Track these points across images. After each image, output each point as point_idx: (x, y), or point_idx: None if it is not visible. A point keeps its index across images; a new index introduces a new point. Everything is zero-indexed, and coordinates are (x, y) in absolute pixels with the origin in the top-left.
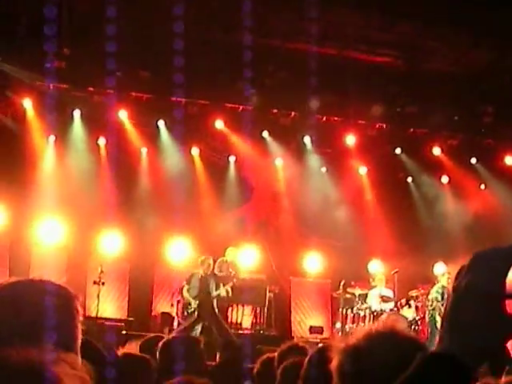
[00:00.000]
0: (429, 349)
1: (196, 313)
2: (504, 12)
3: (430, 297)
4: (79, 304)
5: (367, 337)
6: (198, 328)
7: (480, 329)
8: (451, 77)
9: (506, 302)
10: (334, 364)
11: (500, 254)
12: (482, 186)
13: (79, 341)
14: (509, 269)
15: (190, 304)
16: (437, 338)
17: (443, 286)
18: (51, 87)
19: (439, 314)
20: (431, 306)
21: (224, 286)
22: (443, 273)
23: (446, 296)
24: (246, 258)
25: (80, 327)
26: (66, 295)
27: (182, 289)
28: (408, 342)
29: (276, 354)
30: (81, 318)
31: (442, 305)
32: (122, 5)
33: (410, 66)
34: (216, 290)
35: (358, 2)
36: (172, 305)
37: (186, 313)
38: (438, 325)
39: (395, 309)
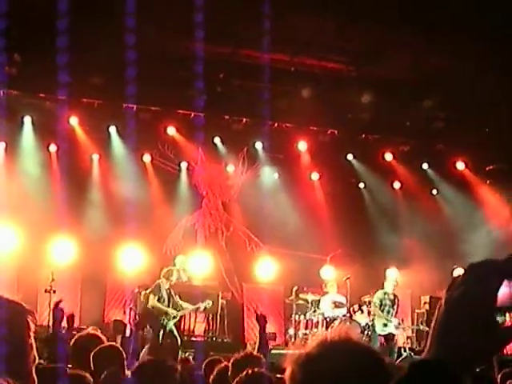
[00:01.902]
0: (383, 357)
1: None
2: (457, 18)
3: (372, 302)
4: (31, 319)
5: (320, 345)
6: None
7: (471, 340)
8: (403, 82)
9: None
10: (286, 373)
11: (494, 268)
12: (434, 191)
13: (32, 357)
14: (501, 283)
15: (166, 313)
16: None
17: (385, 293)
18: (1, 94)
19: (376, 319)
20: (372, 311)
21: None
22: (389, 279)
23: (386, 302)
24: (198, 265)
25: (32, 342)
26: (17, 310)
27: (146, 298)
28: (361, 351)
29: (230, 363)
30: (32, 333)
31: (383, 311)
32: (74, 11)
33: (363, 72)
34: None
35: (310, 8)
36: (124, 312)
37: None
38: (377, 329)
39: (348, 314)
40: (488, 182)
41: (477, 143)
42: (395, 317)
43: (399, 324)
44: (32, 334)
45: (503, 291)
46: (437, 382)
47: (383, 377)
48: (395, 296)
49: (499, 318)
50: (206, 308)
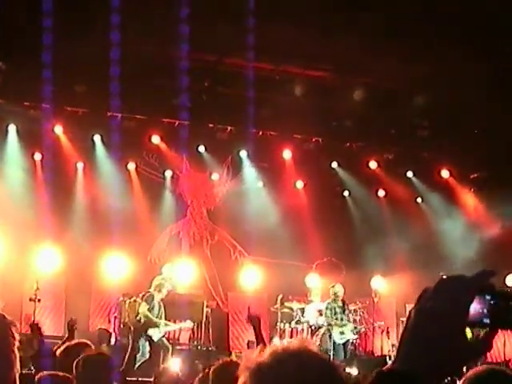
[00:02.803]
0: (338, 368)
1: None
2: (440, 26)
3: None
4: (16, 330)
5: (272, 355)
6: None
7: (441, 352)
8: (387, 91)
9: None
10: (239, 382)
11: (466, 284)
12: (419, 199)
13: (16, 366)
14: (473, 299)
15: (156, 324)
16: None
17: (332, 301)
18: None
19: (333, 329)
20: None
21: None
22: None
23: (336, 310)
24: (183, 274)
25: (16, 353)
26: (1, 321)
27: (137, 305)
28: (315, 362)
29: (210, 371)
30: (17, 344)
31: (336, 319)
32: (58, 19)
33: (346, 80)
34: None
35: (294, 17)
36: (109, 321)
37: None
38: (336, 339)
39: (333, 323)
40: (472, 189)
41: (461, 151)
42: (349, 321)
43: (355, 328)
44: (16, 344)
45: (474, 307)
46: None
47: None
48: (343, 302)
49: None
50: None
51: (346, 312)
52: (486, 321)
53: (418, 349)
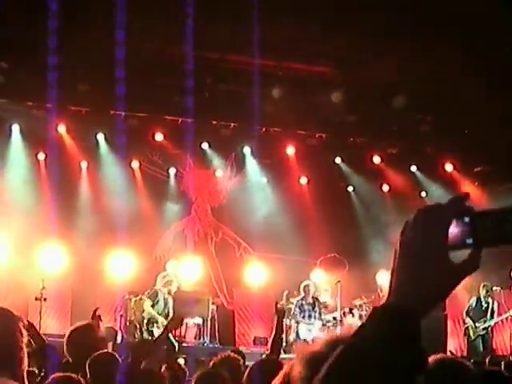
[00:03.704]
0: None
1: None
2: (441, 22)
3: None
4: (23, 326)
5: (326, 343)
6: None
7: (429, 279)
8: (389, 86)
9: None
10: (293, 373)
11: (442, 209)
12: (423, 194)
13: (25, 362)
14: (451, 222)
15: (156, 322)
16: None
17: (301, 299)
18: None
19: (299, 327)
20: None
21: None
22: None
23: (304, 308)
24: (188, 271)
25: (24, 349)
26: (7, 317)
27: (142, 303)
28: None
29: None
30: (25, 340)
31: (304, 317)
32: (61, 19)
33: (348, 77)
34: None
35: (297, 14)
36: (115, 319)
37: (149, 328)
38: (302, 335)
39: (339, 318)
40: (476, 183)
41: (465, 145)
42: (320, 318)
43: (327, 322)
44: (25, 340)
45: (454, 230)
46: (397, 325)
47: None
48: (315, 299)
49: (489, 322)
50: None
51: (316, 309)
52: (469, 241)
53: (406, 280)
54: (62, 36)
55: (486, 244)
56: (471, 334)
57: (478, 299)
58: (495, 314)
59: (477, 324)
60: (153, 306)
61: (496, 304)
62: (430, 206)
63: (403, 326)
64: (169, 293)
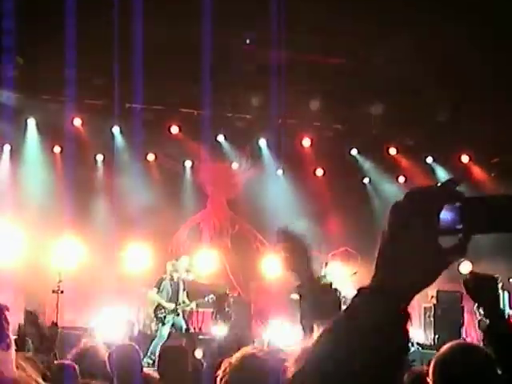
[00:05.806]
0: None
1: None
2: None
3: None
4: (8, 314)
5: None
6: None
7: (416, 264)
8: (406, 75)
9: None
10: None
11: (433, 193)
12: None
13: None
14: (442, 207)
15: (163, 307)
16: None
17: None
18: (5, 96)
19: None
20: None
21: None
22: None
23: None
24: (204, 264)
25: (11, 337)
26: None
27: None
28: None
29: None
30: (10, 328)
31: None
32: (77, 13)
33: (364, 68)
34: (183, 294)
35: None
36: (132, 312)
37: (157, 315)
38: None
39: None
40: (493, 174)
41: (481, 136)
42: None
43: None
44: (10, 328)
45: (445, 215)
46: (382, 311)
47: None
48: (181, 281)
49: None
50: (209, 301)
51: (181, 292)
52: (459, 226)
53: (393, 264)
54: (77, 30)
55: (476, 230)
56: None
57: None
58: (506, 307)
59: None
60: (158, 292)
61: (507, 295)
62: (422, 187)
63: (388, 307)
64: (172, 279)
